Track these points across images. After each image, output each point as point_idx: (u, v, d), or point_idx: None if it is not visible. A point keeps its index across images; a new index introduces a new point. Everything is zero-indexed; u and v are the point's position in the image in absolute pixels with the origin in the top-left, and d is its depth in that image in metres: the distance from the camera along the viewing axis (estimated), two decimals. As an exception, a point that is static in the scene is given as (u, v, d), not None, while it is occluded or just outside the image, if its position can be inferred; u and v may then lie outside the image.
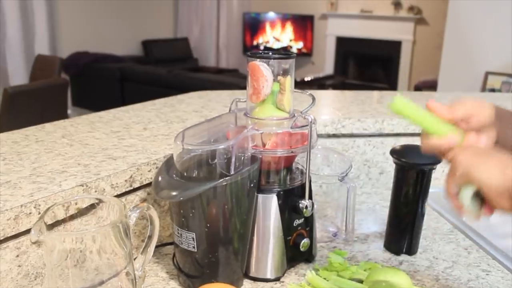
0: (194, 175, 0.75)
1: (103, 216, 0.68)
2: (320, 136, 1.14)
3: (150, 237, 0.70)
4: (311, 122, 0.76)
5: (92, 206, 0.70)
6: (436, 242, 0.96)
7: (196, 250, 0.73)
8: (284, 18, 7.22)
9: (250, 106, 0.79)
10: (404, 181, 0.88)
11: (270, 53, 0.77)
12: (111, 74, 5.20)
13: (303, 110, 0.78)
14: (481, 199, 0.56)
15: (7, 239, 0.65)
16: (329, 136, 1.17)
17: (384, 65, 6.75)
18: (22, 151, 0.87)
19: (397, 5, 6.30)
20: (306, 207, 0.79)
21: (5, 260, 0.65)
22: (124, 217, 0.61)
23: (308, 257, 0.85)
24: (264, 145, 0.76)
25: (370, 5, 6.53)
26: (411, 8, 6.21)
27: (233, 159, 0.70)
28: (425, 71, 5.93)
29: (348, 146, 1.19)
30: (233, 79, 4.82)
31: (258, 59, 0.75)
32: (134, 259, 0.68)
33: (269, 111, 0.77)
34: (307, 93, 0.83)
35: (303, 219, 0.81)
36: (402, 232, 0.90)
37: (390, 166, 1.21)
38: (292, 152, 0.77)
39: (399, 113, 0.61)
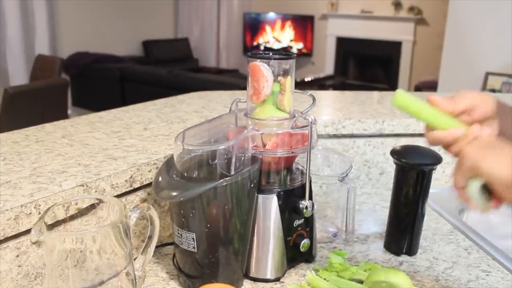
0: (194, 176, 0.75)
1: (103, 216, 0.68)
2: (320, 136, 1.14)
3: (150, 237, 0.70)
4: (311, 122, 0.76)
5: (92, 206, 0.70)
6: (436, 243, 0.96)
7: (196, 251, 0.73)
8: (285, 19, 7.23)
9: (250, 107, 0.79)
10: (404, 182, 0.88)
11: (271, 54, 0.77)
12: (111, 74, 5.21)
13: (303, 110, 0.78)
14: (489, 191, 0.56)
15: (7, 239, 0.65)
16: (329, 136, 1.17)
17: (384, 66, 6.75)
18: (22, 151, 0.87)
19: (398, 5, 6.30)
20: (306, 207, 0.79)
21: (5, 260, 0.65)
22: (124, 217, 0.61)
23: (308, 257, 0.85)
24: (264, 145, 0.76)
25: (371, 5, 6.53)
26: (411, 9, 6.21)
27: (233, 160, 0.70)
28: (425, 72, 5.94)
29: (348, 146, 1.19)
30: (233, 80, 4.82)
31: (258, 60, 0.75)
32: (134, 259, 0.68)
33: (269, 111, 0.77)
34: (308, 94, 0.83)
35: (303, 219, 0.81)
36: (402, 232, 0.90)
37: (390, 167, 1.21)
38: (292, 152, 0.77)
39: (401, 108, 0.61)
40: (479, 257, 0.90)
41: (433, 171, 0.87)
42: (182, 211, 0.72)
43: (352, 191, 0.90)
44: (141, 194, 0.85)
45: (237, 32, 7.35)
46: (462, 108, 0.61)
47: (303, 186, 0.80)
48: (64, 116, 3.06)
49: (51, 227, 0.65)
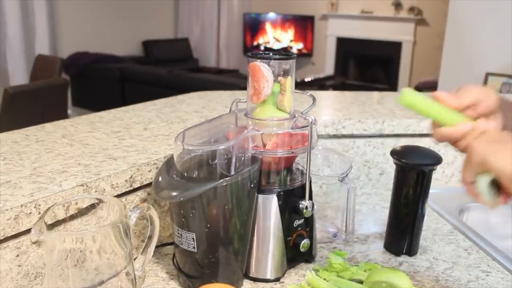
0: (194, 176, 0.75)
1: (103, 216, 0.68)
2: (320, 136, 1.14)
3: (150, 237, 0.70)
4: (311, 122, 0.76)
5: (92, 206, 0.70)
6: (436, 243, 0.96)
7: (196, 251, 0.73)
8: (285, 19, 7.23)
9: (250, 107, 0.79)
10: (404, 182, 0.88)
11: (271, 54, 0.77)
12: (111, 74, 5.21)
13: (303, 110, 0.78)
14: (498, 187, 0.55)
15: (7, 238, 0.65)
16: (329, 136, 1.17)
17: (385, 66, 6.75)
18: (22, 151, 0.87)
19: (398, 5, 6.30)
20: (306, 207, 0.79)
21: (5, 259, 0.65)
22: (124, 217, 0.61)
23: (308, 257, 0.85)
24: (264, 145, 0.76)
25: (371, 5, 6.53)
26: (411, 9, 6.21)
27: (233, 160, 0.70)
28: (426, 72, 5.94)
29: (348, 146, 1.19)
30: (234, 80, 4.83)
31: (258, 60, 0.75)
32: (134, 259, 0.68)
33: (269, 111, 0.77)
34: (308, 94, 0.83)
35: (303, 219, 0.81)
36: (402, 233, 0.90)
37: (390, 167, 1.21)
38: (292, 152, 0.77)
39: (408, 106, 0.61)
40: (479, 258, 0.90)
41: (433, 171, 0.87)
42: (182, 211, 0.72)
43: (352, 191, 0.90)
44: (141, 194, 0.85)
45: (237, 32, 7.35)
46: (468, 103, 0.60)
47: (303, 186, 0.80)
48: (64, 116, 3.06)
49: (51, 227, 0.65)
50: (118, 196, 0.80)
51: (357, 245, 0.94)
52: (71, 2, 5.42)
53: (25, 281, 0.68)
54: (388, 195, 0.95)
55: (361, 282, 0.77)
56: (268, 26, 7.33)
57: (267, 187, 0.78)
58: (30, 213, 0.66)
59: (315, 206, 0.82)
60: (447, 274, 0.84)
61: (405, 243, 0.90)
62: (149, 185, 0.85)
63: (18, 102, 2.77)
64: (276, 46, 7.31)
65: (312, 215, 0.83)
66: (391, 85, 6.59)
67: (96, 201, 0.69)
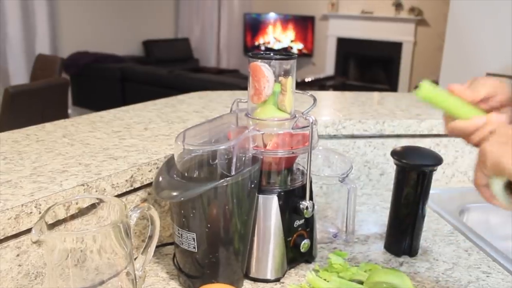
0: (195, 176, 0.75)
1: (104, 216, 0.68)
2: (320, 137, 1.14)
3: (150, 237, 0.70)
4: (312, 123, 0.76)
5: (92, 206, 0.70)
6: (437, 244, 0.95)
7: (196, 251, 0.73)
8: (285, 19, 7.23)
9: (251, 107, 0.79)
10: (405, 183, 0.88)
11: (272, 54, 0.77)
12: (111, 74, 5.21)
13: (304, 111, 0.78)
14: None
15: (8, 238, 0.65)
16: (330, 137, 1.17)
17: (385, 66, 6.75)
18: (22, 151, 0.87)
19: (398, 6, 6.30)
20: (307, 208, 0.79)
21: (6, 259, 0.65)
22: (125, 217, 0.61)
23: (308, 258, 0.85)
24: (265, 145, 0.76)
25: (371, 6, 6.53)
26: (412, 9, 6.21)
27: (234, 160, 0.70)
28: (426, 72, 5.94)
29: (348, 147, 1.19)
30: (234, 80, 4.83)
31: (259, 60, 0.75)
32: (135, 259, 0.68)
33: (270, 111, 0.77)
34: (308, 94, 0.83)
35: (303, 220, 0.81)
36: (403, 233, 0.90)
37: (390, 167, 1.21)
38: (293, 153, 0.77)
39: (425, 99, 0.60)
40: (479, 258, 0.90)
41: (434, 172, 0.87)
42: (182, 211, 0.72)
43: (353, 192, 0.90)
44: (141, 194, 0.85)
45: (238, 33, 7.35)
46: (482, 96, 0.60)
47: (303, 187, 0.80)
48: (64, 115, 3.06)
49: (51, 226, 0.65)
50: (119, 196, 0.80)
51: (358, 246, 0.94)
52: (72, 2, 5.42)
53: (26, 280, 0.68)
54: (388, 195, 0.94)
55: (361, 282, 0.77)
56: (268, 26, 7.33)
57: (267, 187, 0.78)
58: (31, 212, 0.66)
59: (315, 207, 0.82)
60: (447, 274, 0.84)
61: (405, 243, 0.90)
62: (149, 185, 0.85)
63: (18, 102, 2.77)
64: (277, 46, 7.31)
65: (312, 216, 0.83)
66: (392, 85, 6.59)
67: (97, 201, 0.69)
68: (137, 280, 0.66)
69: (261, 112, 0.77)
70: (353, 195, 0.90)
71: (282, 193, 0.78)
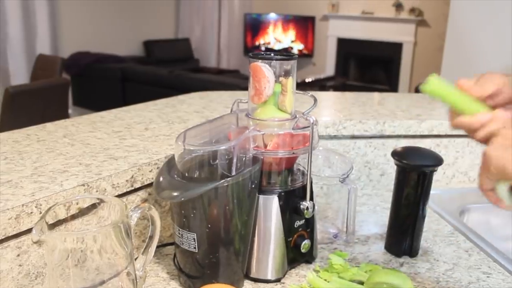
0: (195, 176, 0.75)
1: (104, 216, 0.68)
2: (321, 137, 1.14)
3: (151, 237, 0.70)
4: (312, 123, 0.76)
5: (93, 206, 0.70)
6: (437, 244, 0.95)
7: (197, 251, 0.73)
8: (285, 19, 7.23)
9: (251, 107, 0.79)
10: (405, 183, 0.88)
11: (272, 54, 0.77)
12: (112, 74, 5.21)
13: (304, 111, 0.78)
14: None
15: (8, 238, 0.65)
16: (330, 137, 1.17)
17: (385, 67, 6.75)
18: (23, 151, 0.87)
19: (398, 6, 6.31)
20: (307, 208, 0.79)
21: (6, 259, 0.65)
22: (125, 217, 0.61)
23: (308, 258, 0.85)
24: (265, 146, 0.76)
25: (371, 6, 6.54)
26: (412, 10, 6.21)
27: (234, 160, 0.70)
28: (426, 73, 5.88)
29: (349, 147, 1.19)
30: (234, 80, 4.83)
31: (260, 60, 0.75)
32: (135, 259, 0.68)
33: (270, 112, 0.77)
34: (309, 94, 0.84)
35: (304, 220, 0.81)
36: (403, 234, 0.90)
37: (391, 168, 1.21)
38: (293, 153, 0.77)
39: (432, 94, 0.60)
40: (480, 259, 0.90)
41: (434, 172, 0.87)
42: (183, 211, 0.72)
43: (353, 192, 0.90)
44: (142, 194, 0.85)
45: (238, 33, 7.36)
46: (490, 92, 0.59)
47: (304, 187, 0.80)
48: (65, 115, 3.06)
49: (52, 226, 0.65)
50: (119, 196, 0.80)
51: (358, 246, 0.94)
52: (72, 2, 5.43)
53: (26, 280, 0.68)
54: (388, 196, 0.94)
55: (361, 283, 0.77)
56: (269, 27, 7.33)
57: (268, 188, 0.78)
58: (31, 212, 0.66)
59: (315, 207, 0.82)
60: (447, 275, 0.84)
61: (405, 244, 0.90)
62: (150, 185, 0.85)
63: (19, 102, 2.78)
64: (277, 46, 7.32)
65: (313, 216, 0.83)
66: (392, 86, 6.59)
67: (97, 201, 0.69)
68: (137, 280, 0.66)
69: (261, 112, 0.77)
70: (354, 196, 0.90)
71: (283, 194, 0.78)
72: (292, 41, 7.25)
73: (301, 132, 0.78)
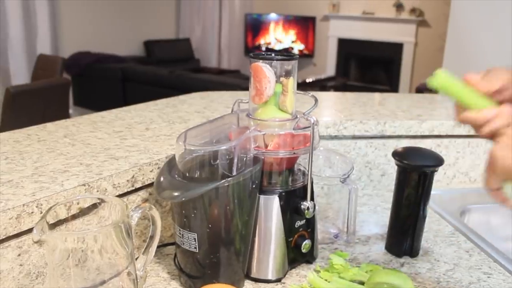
0: (196, 176, 0.75)
1: (105, 216, 0.68)
2: (322, 137, 1.14)
3: (152, 237, 0.70)
4: (313, 123, 0.76)
5: (94, 206, 0.70)
6: (438, 245, 0.95)
7: (197, 251, 0.73)
8: (286, 20, 7.23)
9: (252, 107, 0.79)
10: (406, 183, 0.88)
11: (273, 55, 0.77)
12: (113, 74, 5.21)
13: (305, 111, 0.78)
14: None
15: (9, 238, 0.65)
16: (331, 137, 1.17)
17: (386, 67, 6.75)
18: (24, 151, 0.87)
19: (399, 7, 6.30)
20: (308, 208, 0.79)
21: (7, 259, 0.65)
22: (126, 217, 0.61)
23: (309, 258, 0.85)
24: (266, 146, 0.76)
25: (372, 7, 6.53)
26: (413, 10, 6.21)
27: (235, 160, 0.70)
28: (427, 73, 5.90)
29: (349, 147, 1.19)
30: (235, 80, 4.83)
31: (261, 60, 0.75)
32: (136, 259, 0.68)
33: (271, 112, 0.77)
34: (310, 95, 0.84)
35: (304, 220, 0.81)
36: (404, 234, 0.90)
37: (391, 168, 1.21)
38: (294, 153, 0.77)
39: (439, 88, 0.60)
40: (480, 259, 0.90)
41: (435, 172, 0.87)
42: (183, 211, 0.72)
43: (354, 192, 0.90)
44: (142, 194, 0.85)
45: (239, 33, 7.36)
46: (497, 87, 0.59)
47: (304, 187, 0.80)
48: (65, 115, 3.06)
49: (53, 226, 0.65)
50: (120, 196, 0.80)
51: (359, 246, 0.94)
52: (73, 2, 5.43)
53: (27, 280, 0.68)
54: (389, 196, 0.94)
55: (362, 283, 0.77)
56: (269, 27, 7.33)
57: (268, 188, 0.78)
58: (32, 212, 0.66)
59: (316, 207, 0.82)
60: (448, 275, 0.84)
61: (406, 244, 0.90)
62: (150, 185, 0.85)
63: (19, 102, 2.78)
64: (278, 46, 7.32)
65: (313, 216, 0.83)
66: (392, 86, 6.59)
67: (98, 201, 0.69)
68: (138, 280, 0.66)
69: (262, 112, 0.77)
70: (354, 196, 0.90)
71: (283, 194, 0.78)
72: (293, 41, 7.25)
73: (302, 132, 0.78)
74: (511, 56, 3.20)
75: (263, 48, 7.35)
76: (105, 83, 5.31)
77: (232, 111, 0.85)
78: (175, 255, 0.79)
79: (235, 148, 0.71)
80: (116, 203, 0.65)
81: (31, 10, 4.96)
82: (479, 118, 0.58)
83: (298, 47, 7.22)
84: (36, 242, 0.56)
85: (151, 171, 0.83)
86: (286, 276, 0.81)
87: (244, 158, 0.73)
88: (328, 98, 1.60)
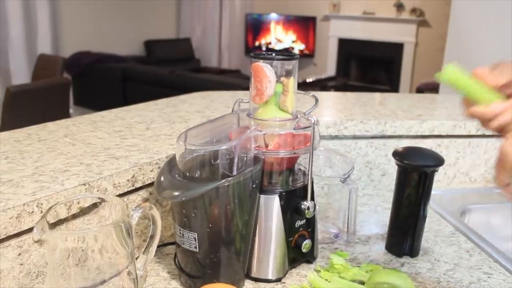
0: (196, 176, 0.75)
1: (105, 216, 0.68)
2: (322, 137, 1.14)
3: (152, 237, 0.70)
4: (314, 123, 0.76)
5: (94, 206, 0.70)
6: (438, 245, 0.95)
7: (198, 250, 0.73)
8: (287, 20, 7.23)
9: (253, 107, 0.79)
10: (406, 183, 0.88)
11: (273, 54, 0.77)
12: (113, 74, 5.21)
13: (306, 111, 0.78)
14: None
15: (9, 237, 0.65)
16: (331, 137, 1.17)
17: (386, 67, 6.75)
18: (24, 150, 0.87)
19: (400, 7, 6.30)
20: (308, 208, 0.79)
21: (7, 258, 0.65)
22: (126, 216, 0.61)
23: (309, 258, 0.85)
24: (266, 146, 0.76)
25: (373, 6, 6.53)
26: (413, 10, 6.21)
27: (235, 160, 0.70)
28: (427, 73, 5.93)
29: (350, 147, 1.19)
30: (235, 80, 4.83)
31: (261, 60, 0.75)
32: (136, 258, 0.68)
33: (272, 112, 0.77)
34: (310, 95, 0.84)
35: (305, 220, 0.81)
36: (404, 234, 0.90)
37: (392, 168, 1.21)
38: (294, 153, 0.77)
39: (447, 81, 0.59)
40: (480, 259, 0.90)
41: (435, 172, 0.87)
42: (184, 211, 0.72)
43: (354, 192, 0.90)
44: (143, 193, 0.85)
45: (239, 33, 7.36)
46: (504, 81, 0.59)
47: (305, 187, 0.80)
48: (66, 115, 3.07)
49: (53, 226, 0.65)
50: (120, 195, 0.80)
51: (359, 246, 0.94)
52: (74, 1, 5.43)
53: (27, 280, 0.68)
54: (390, 196, 0.94)
55: (362, 283, 0.77)
56: (270, 27, 7.33)
57: (269, 188, 0.78)
58: (32, 212, 0.66)
59: (316, 207, 0.82)
60: (448, 275, 0.84)
61: (406, 244, 0.90)
62: (151, 184, 0.85)
63: (20, 101, 2.78)
64: (278, 46, 7.32)
65: (313, 216, 0.82)
66: (393, 86, 6.59)
67: (98, 201, 0.69)
68: (138, 280, 0.66)
69: (262, 112, 0.77)
70: (355, 196, 0.90)
71: (284, 193, 0.78)
72: (293, 41, 7.25)
73: (302, 132, 0.78)
74: (511, 56, 3.19)
75: (264, 48, 7.35)
76: (106, 83, 5.31)
77: (232, 111, 0.85)
78: (175, 255, 0.79)
79: (236, 147, 0.71)
80: (117, 202, 0.65)
81: (31, 10, 4.96)
82: (487, 113, 0.58)
83: (298, 47, 7.22)
84: (36, 242, 0.56)
85: (151, 171, 0.83)
86: (286, 275, 0.81)
87: (245, 158, 0.73)
88: (328, 98, 1.60)
